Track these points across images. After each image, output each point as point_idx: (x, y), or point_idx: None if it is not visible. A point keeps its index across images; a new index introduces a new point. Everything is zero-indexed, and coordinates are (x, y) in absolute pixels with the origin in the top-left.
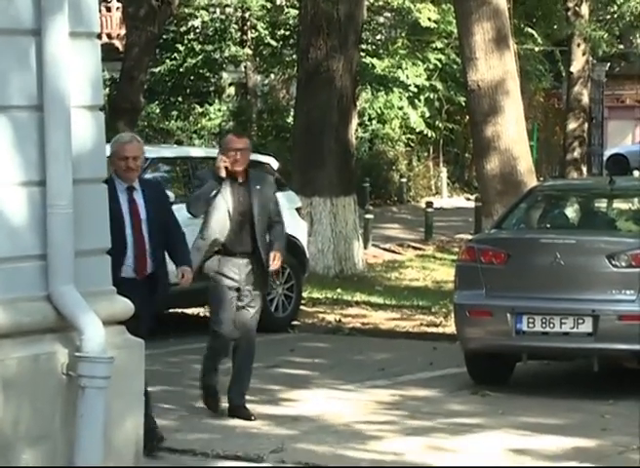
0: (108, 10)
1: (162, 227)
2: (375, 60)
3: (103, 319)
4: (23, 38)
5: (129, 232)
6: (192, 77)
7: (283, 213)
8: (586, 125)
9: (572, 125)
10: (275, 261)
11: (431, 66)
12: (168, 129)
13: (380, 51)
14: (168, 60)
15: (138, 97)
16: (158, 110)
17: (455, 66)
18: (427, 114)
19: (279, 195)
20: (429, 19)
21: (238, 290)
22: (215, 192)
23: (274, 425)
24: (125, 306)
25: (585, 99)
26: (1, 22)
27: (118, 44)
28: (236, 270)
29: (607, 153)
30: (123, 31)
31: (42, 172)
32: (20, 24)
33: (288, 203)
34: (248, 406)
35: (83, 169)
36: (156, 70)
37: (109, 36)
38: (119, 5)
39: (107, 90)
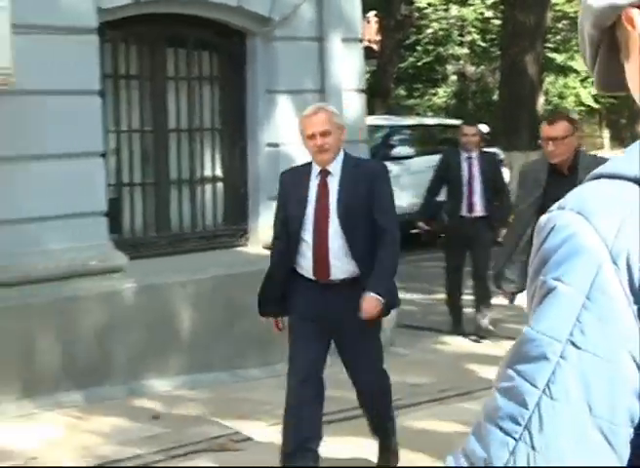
0: (368, 22)
1: (364, 224)
2: (555, 55)
3: None
4: (310, 43)
5: (309, 227)
6: (427, 69)
7: None
8: None
9: None
10: None
11: None
12: (410, 105)
13: (560, 47)
14: (410, 58)
15: (389, 84)
16: (403, 92)
17: None
18: (594, 92)
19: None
20: None
21: None
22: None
23: None
24: None
25: None
26: (291, 33)
27: (375, 46)
28: None
29: None
30: (378, 37)
31: None
32: (306, 34)
33: None
34: None
35: (350, 133)
36: (402, 65)
37: (369, 41)
38: (376, 19)
39: (367, 79)
